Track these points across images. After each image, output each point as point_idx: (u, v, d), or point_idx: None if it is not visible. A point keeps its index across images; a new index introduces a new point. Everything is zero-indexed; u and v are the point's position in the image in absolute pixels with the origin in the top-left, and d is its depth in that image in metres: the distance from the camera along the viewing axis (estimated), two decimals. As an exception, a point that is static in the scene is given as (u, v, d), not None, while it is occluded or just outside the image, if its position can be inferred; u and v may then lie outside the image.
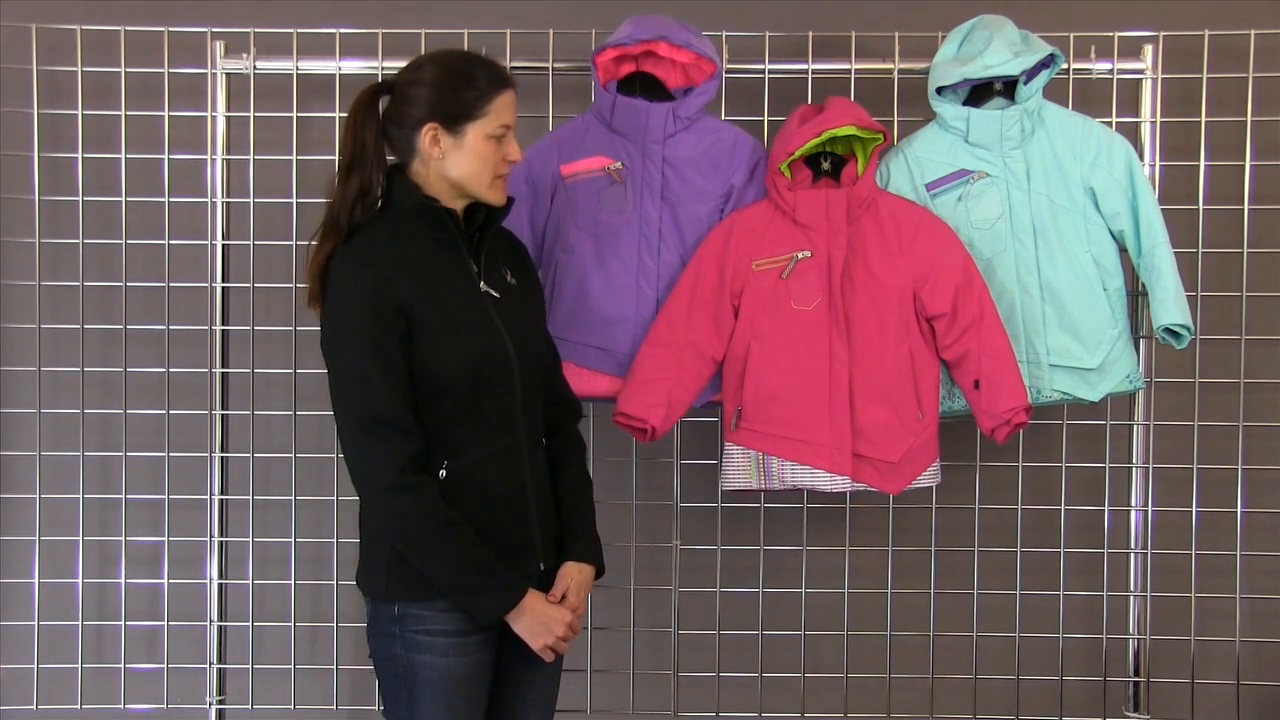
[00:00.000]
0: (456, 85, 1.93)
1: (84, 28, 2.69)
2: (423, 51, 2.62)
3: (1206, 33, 2.66)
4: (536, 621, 1.96)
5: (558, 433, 2.15)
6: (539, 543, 2.03)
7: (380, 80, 2.01)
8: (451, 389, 1.91)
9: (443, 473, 1.93)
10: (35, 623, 2.77)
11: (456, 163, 1.95)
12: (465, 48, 2.62)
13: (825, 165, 2.49)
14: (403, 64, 2.60)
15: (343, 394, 1.89)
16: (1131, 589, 2.74)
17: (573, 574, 2.06)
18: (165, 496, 2.76)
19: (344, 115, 2.62)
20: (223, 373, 2.72)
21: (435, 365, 1.90)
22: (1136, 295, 2.64)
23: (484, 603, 1.93)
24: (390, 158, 2.00)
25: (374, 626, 2.01)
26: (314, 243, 1.97)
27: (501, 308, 1.99)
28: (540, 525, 2.03)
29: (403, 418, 1.88)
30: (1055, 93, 2.58)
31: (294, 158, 2.70)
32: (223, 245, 2.71)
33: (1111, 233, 2.54)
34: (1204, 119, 2.68)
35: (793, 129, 2.42)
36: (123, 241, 2.74)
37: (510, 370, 1.97)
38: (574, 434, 2.18)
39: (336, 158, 2.66)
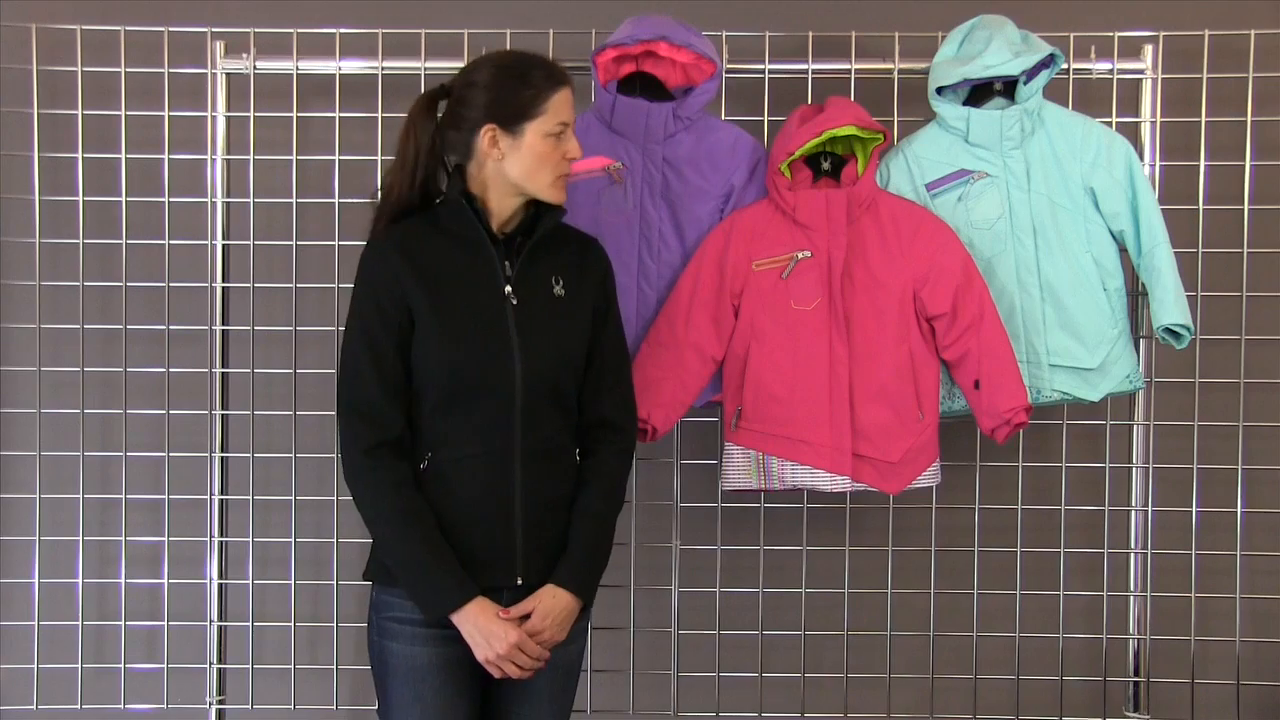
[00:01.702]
0: (513, 85, 1.96)
1: (84, 28, 2.69)
2: (423, 52, 2.64)
3: (1206, 33, 2.66)
4: (477, 631, 1.92)
5: (591, 454, 2.07)
6: (520, 556, 1.98)
7: (439, 85, 2.04)
8: (437, 384, 1.94)
9: (424, 464, 1.96)
10: (35, 623, 2.77)
11: (515, 163, 1.97)
12: (465, 48, 2.62)
13: (825, 165, 2.49)
14: (403, 64, 2.66)
15: (339, 375, 1.98)
16: (1131, 589, 2.74)
17: (544, 597, 1.98)
18: (165, 496, 2.76)
19: (344, 115, 2.66)
20: (223, 373, 2.72)
21: (425, 360, 1.94)
22: (1136, 295, 2.64)
23: (427, 598, 1.93)
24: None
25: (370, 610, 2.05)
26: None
27: (520, 314, 1.98)
28: (527, 539, 1.99)
29: (380, 405, 1.93)
30: (1055, 93, 2.58)
31: (294, 158, 2.70)
32: (223, 245, 2.71)
33: (1111, 233, 2.54)
34: (1204, 119, 2.68)
35: (793, 129, 2.42)
36: (123, 241, 2.74)
37: (511, 377, 1.95)
38: (607, 459, 2.07)
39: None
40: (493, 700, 2.05)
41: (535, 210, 2.04)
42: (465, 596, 1.92)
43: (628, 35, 2.42)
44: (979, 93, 2.54)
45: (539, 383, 1.98)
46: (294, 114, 2.70)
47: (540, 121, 1.96)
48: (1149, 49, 2.65)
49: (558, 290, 2.03)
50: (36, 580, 2.77)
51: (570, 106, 1.99)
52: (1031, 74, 2.50)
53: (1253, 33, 2.67)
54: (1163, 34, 2.65)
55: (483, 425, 1.95)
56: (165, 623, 2.78)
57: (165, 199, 2.73)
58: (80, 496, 2.76)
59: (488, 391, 1.94)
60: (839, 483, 2.44)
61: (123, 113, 2.72)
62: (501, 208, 2.01)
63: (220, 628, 2.75)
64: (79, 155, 2.73)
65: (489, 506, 1.96)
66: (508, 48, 2.61)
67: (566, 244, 2.08)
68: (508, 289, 1.99)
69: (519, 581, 1.99)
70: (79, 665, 2.78)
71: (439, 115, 2.03)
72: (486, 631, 1.92)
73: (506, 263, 2.00)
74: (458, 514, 1.95)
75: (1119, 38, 2.64)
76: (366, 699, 2.79)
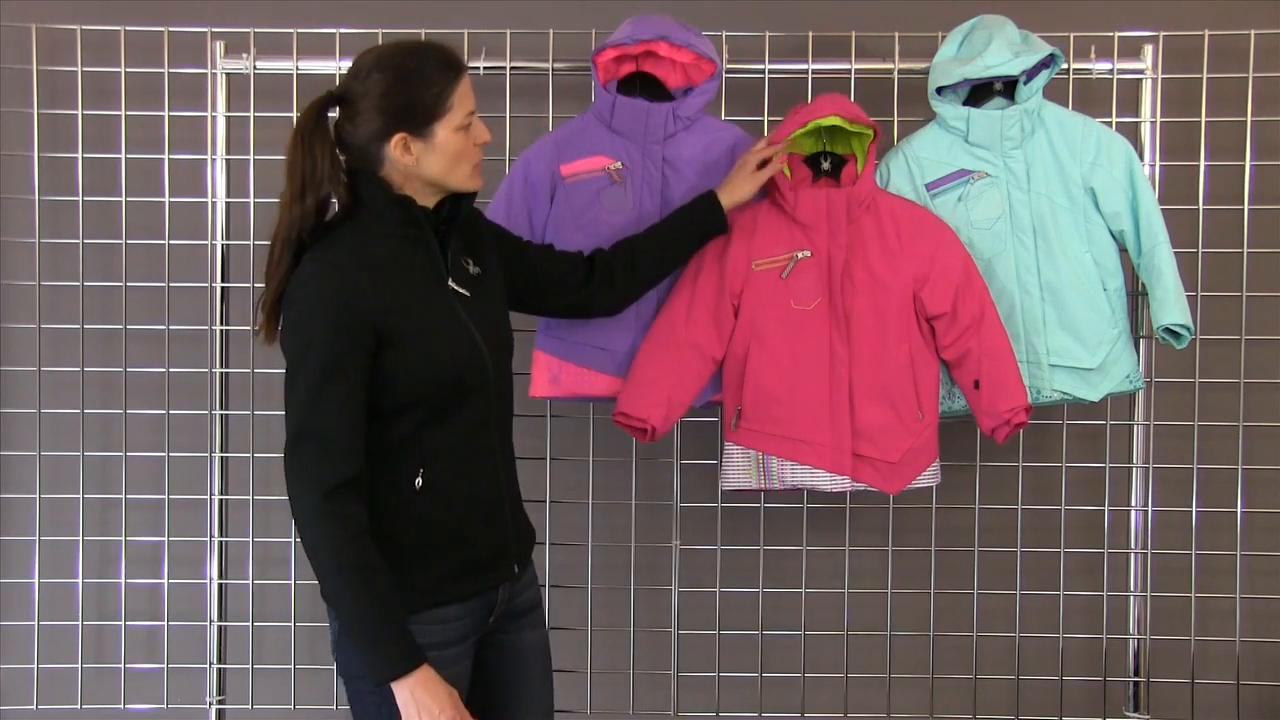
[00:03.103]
0: (414, 86, 1.84)
1: (84, 28, 2.69)
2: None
3: (1206, 33, 2.66)
4: (414, 702, 1.80)
5: (601, 261, 2.24)
6: (512, 546, 2.00)
7: (325, 93, 1.89)
8: (428, 397, 1.86)
9: (419, 481, 1.87)
10: (35, 623, 2.78)
11: (432, 163, 1.88)
12: (465, 47, 2.62)
13: (825, 165, 2.49)
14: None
15: (292, 402, 1.80)
16: (1131, 589, 2.74)
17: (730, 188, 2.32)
18: (165, 496, 2.76)
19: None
20: (223, 373, 2.72)
21: (410, 375, 1.84)
22: (1136, 295, 2.64)
23: (375, 660, 1.80)
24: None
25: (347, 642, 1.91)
26: (272, 262, 1.87)
27: (469, 305, 1.93)
28: (514, 528, 2.00)
29: (344, 439, 1.79)
30: (1055, 93, 2.58)
31: (294, 158, 2.70)
32: (223, 245, 2.71)
33: (1111, 233, 2.54)
34: (1204, 119, 2.68)
35: (784, 124, 2.43)
36: (123, 241, 2.74)
37: (485, 372, 1.92)
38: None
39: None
40: (487, 697, 2.04)
41: (451, 205, 1.96)
42: (413, 664, 1.81)
43: (628, 35, 2.42)
44: (979, 93, 2.54)
45: (501, 368, 1.97)
46: (294, 114, 2.69)
47: (449, 118, 1.87)
48: (1149, 49, 2.65)
49: (474, 271, 1.99)
50: (36, 580, 2.77)
51: (471, 93, 1.90)
52: (1031, 74, 2.50)
53: (1253, 33, 2.67)
54: (1163, 34, 2.65)
55: (471, 427, 1.92)
56: (165, 623, 2.78)
57: (165, 199, 2.73)
58: (80, 496, 2.76)
59: (471, 392, 1.91)
60: (839, 483, 2.44)
61: (123, 113, 2.72)
62: (424, 204, 1.93)
63: (220, 628, 2.75)
64: (79, 155, 2.73)
65: (486, 506, 1.95)
66: (507, 49, 2.62)
67: (456, 219, 1.99)
68: (450, 282, 1.93)
69: (515, 571, 2.00)
70: (79, 665, 2.78)
71: (332, 124, 1.88)
72: (426, 704, 1.81)
73: (440, 259, 1.93)
74: (460, 522, 1.92)
75: (1119, 38, 2.64)
76: (366, 699, 2.80)
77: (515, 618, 2.04)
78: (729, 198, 2.35)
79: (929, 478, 2.49)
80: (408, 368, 1.84)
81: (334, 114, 1.88)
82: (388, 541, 1.85)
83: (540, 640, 2.10)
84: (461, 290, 1.94)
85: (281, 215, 1.86)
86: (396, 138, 1.85)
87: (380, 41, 2.60)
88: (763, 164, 2.38)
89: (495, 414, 1.96)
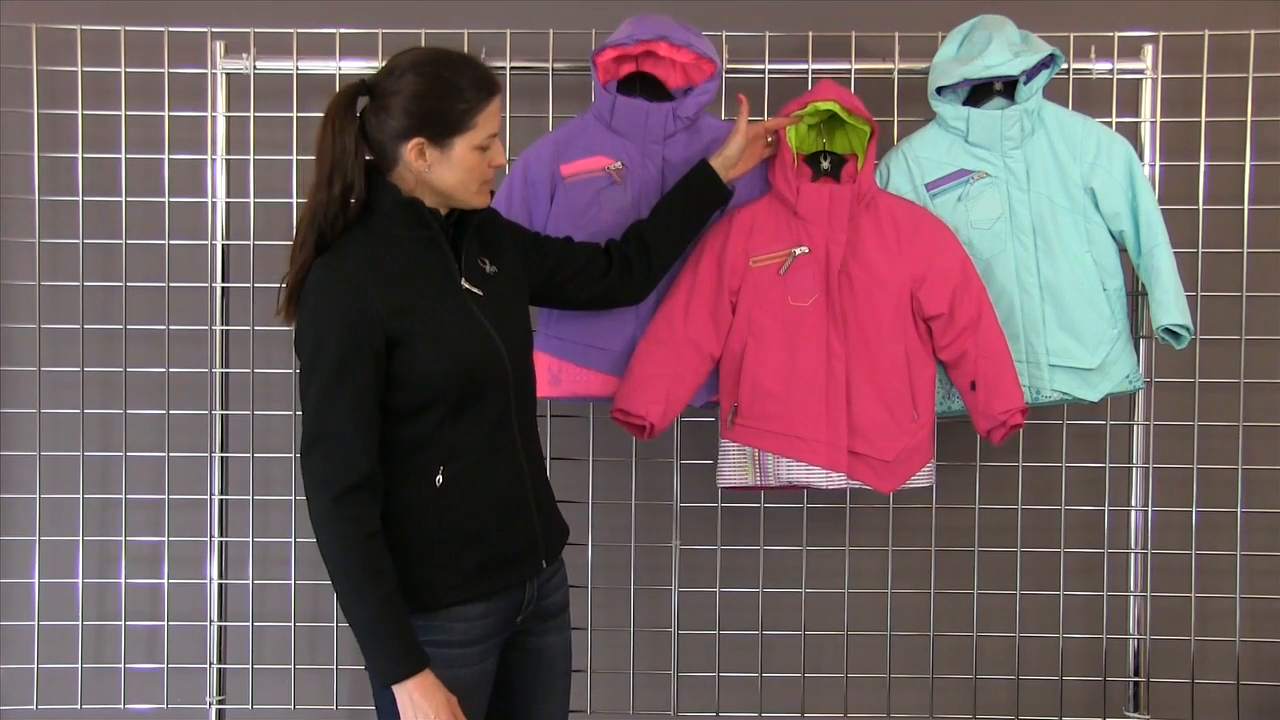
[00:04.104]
0: (443, 97, 1.86)
1: (84, 28, 2.69)
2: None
3: (1206, 33, 2.66)
4: (411, 705, 1.83)
5: (617, 250, 2.27)
6: (541, 542, 2.00)
7: (359, 81, 1.91)
8: (444, 395, 1.87)
9: (439, 479, 1.89)
10: (35, 623, 2.78)
11: (443, 174, 1.90)
12: (465, 47, 2.62)
13: (825, 165, 2.49)
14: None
15: (306, 405, 1.84)
16: (1131, 589, 2.74)
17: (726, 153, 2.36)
18: (165, 496, 2.76)
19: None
20: (223, 373, 2.72)
21: (424, 375, 1.86)
22: (1136, 295, 2.64)
23: (379, 662, 1.84)
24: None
25: None
26: (294, 250, 1.91)
27: (484, 304, 1.95)
28: (542, 522, 2.01)
29: (355, 441, 1.81)
30: (1055, 93, 2.58)
31: (294, 158, 2.70)
32: (223, 245, 2.71)
33: (1111, 233, 2.54)
34: (1204, 119, 2.68)
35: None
36: (123, 241, 2.74)
37: (503, 368, 1.93)
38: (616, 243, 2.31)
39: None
40: (511, 698, 2.05)
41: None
42: (414, 668, 1.84)
43: (627, 35, 2.42)
44: (979, 93, 2.54)
45: (521, 364, 1.99)
46: (294, 114, 2.70)
47: (470, 135, 1.88)
48: (1149, 49, 2.65)
49: (490, 270, 2.00)
50: (36, 580, 2.77)
51: (498, 116, 1.92)
52: (1031, 74, 2.50)
53: (1253, 33, 2.67)
54: (1163, 34, 2.65)
55: (490, 424, 1.93)
56: (165, 623, 2.78)
57: (165, 199, 2.73)
58: (80, 496, 2.76)
59: (489, 389, 1.92)
60: (834, 479, 2.44)
61: (123, 113, 2.72)
62: (433, 206, 1.95)
63: (220, 628, 2.75)
64: (79, 155, 2.73)
65: (509, 502, 1.96)
66: (507, 49, 2.62)
67: (470, 222, 2.01)
68: (464, 282, 1.94)
69: (544, 566, 2.01)
70: (79, 665, 2.78)
71: (359, 113, 1.91)
72: (423, 708, 1.84)
73: (452, 259, 1.95)
74: (485, 519, 1.93)
75: (1119, 38, 2.64)
76: (366, 699, 2.78)
77: (543, 619, 2.05)
78: (722, 161, 2.37)
79: (924, 478, 2.49)
80: (422, 367, 1.86)
81: (363, 101, 1.91)
82: (410, 540, 1.88)
83: (565, 644, 2.11)
84: (475, 289, 1.95)
85: (308, 199, 1.90)
86: (414, 141, 1.87)
87: (380, 41, 2.64)
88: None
89: (516, 410, 1.97)
